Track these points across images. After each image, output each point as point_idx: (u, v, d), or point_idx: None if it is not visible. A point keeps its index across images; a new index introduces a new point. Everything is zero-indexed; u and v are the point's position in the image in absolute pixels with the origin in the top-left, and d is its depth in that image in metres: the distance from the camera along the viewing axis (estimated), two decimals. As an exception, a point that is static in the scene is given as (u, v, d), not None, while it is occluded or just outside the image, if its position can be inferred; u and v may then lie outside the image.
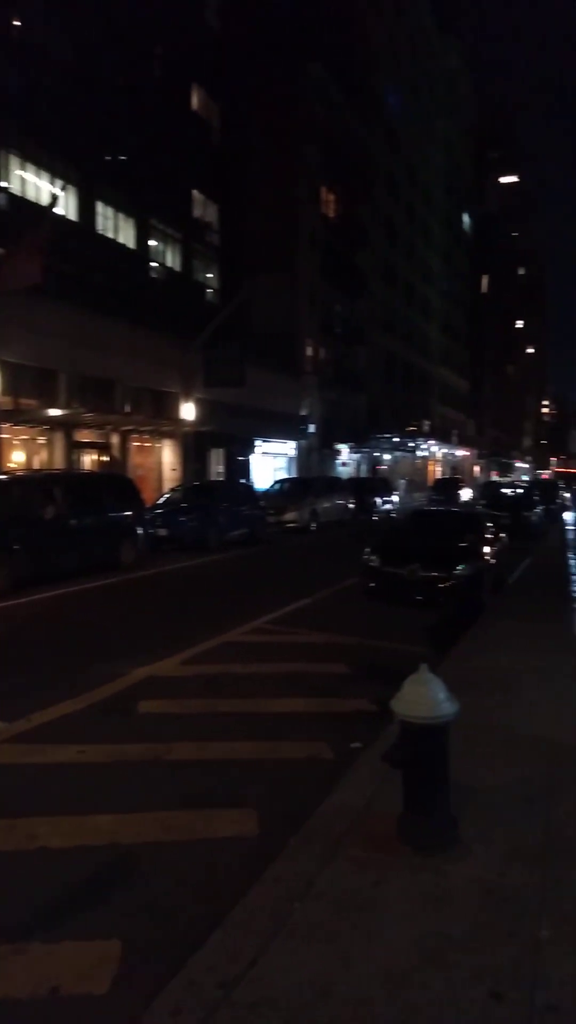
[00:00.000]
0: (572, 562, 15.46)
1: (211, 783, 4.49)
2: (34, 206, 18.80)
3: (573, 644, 7.71)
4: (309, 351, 37.54)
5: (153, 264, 25.66)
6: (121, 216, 23.42)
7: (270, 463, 33.29)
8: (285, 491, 23.84)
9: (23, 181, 19.27)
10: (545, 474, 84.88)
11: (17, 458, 19.08)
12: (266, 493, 23.15)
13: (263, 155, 32.83)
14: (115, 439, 22.43)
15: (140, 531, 14.34)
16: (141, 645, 7.85)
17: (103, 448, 22.12)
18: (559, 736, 4.87)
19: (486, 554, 10.52)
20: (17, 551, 11.02)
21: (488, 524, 12.07)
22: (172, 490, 19.89)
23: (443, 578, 9.58)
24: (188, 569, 14.17)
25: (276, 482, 26.51)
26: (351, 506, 26.02)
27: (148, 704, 5.91)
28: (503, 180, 68.85)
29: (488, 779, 4.16)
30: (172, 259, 26.86)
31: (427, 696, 3.28)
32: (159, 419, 23.81)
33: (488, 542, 11.03)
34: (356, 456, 44.53)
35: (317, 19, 38.49)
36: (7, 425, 18.03)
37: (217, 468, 28.72)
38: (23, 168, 19.24)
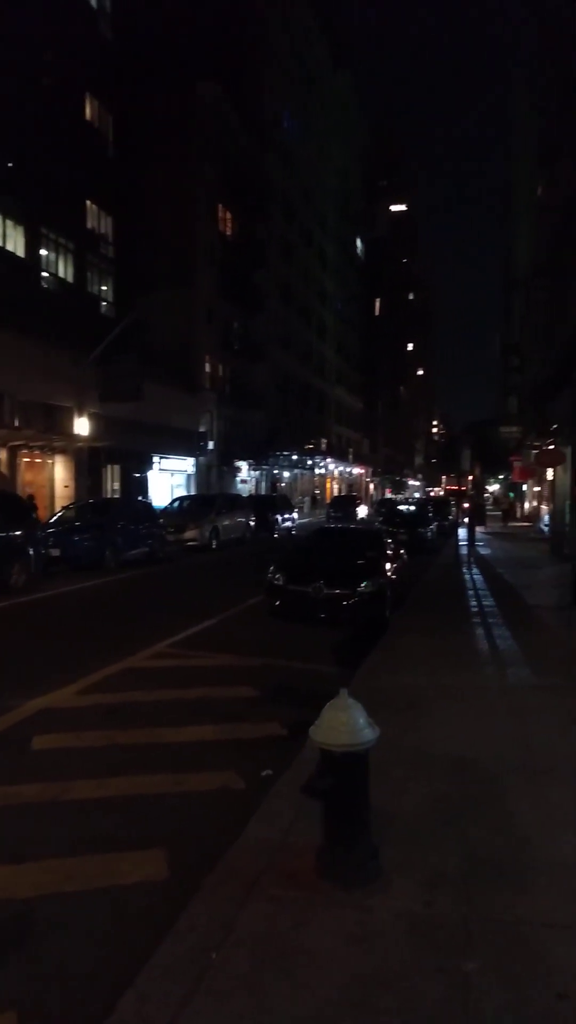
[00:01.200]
0: (467, 577, 15.96)
1: (114, 823, 4.19)
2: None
3: (477, 659, 7.87)
4: (208, 367, 37.36)
5: (45, 274, 24.79)
6: (10, 223, 22.51)
7: (168, 480, 32.75)
8: (185, 508, 23.44)
9: None
10: (436, 491, 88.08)
11: None
12: (165, 511, 22.68)
13: (160, 170, 32.59)
14: (3, 455, 21.36)
15: (32, 552, 13.61)
16: (35, 675, 7.37)
17: (-9, 465, 21.01)
18: (470, 753, 4.89)
19: (388, 570, 10.65)
20: None
21: (388, 541, 12.26)
22: (65, 508, 19.06)
23: (347, 595, 9.60)
24: (84, 591, 13.58)
25: (175, 499, 26.05)
26: (252, 524, 25.92)
27: (43, 739, 5.51)
28: (393, 208, 71.61)
29: (404, 803, 4.09)
30: (65, 270, 26.04)
31: (348, 722, 3.16)
32: (51, 434, 22.90)
33: (389, 559, 11.18)
34: (255, 473, 44.59)
35: (214, 40, 38.82)
36: None
37: (113, 485, 27.92)
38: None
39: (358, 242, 77.03)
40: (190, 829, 4.14)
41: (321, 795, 3.23)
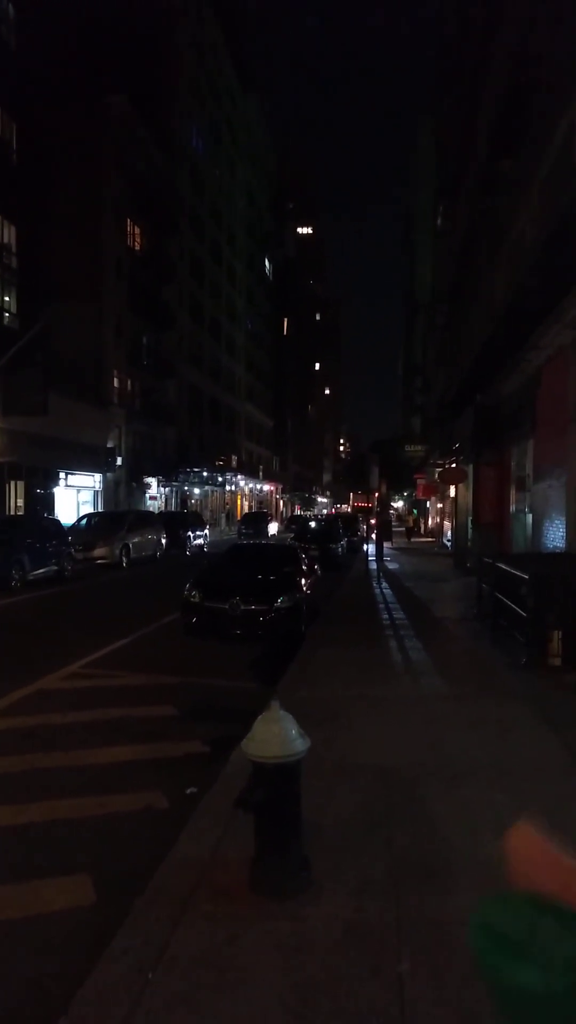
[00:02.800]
0: (377, 591, 16.35)
1: (34, 849, 4.07)
2: None
3: (392, 670, 8.09)
4: (116, 382, 36.78)
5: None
6: None
7: (76, 497, 31.92)
8: (94, 526, 22.91)
9: None
10: (345, 508, 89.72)
11: None
12: (73, 528, 22.09)
13: (67, 181, 32.05)
14: None
15: None
16: None
17: None
18: (390, 761, 5.03)
19: (303, 585, 10.79)
20: None
21: (302, 556, 12.42)
22: (-32, 526, 18.26)
23: (265, 611, 9.65)
24: (-11, 611, 13.04)
25: (84, 516, 25.41)
26: (163, 541, 25.61)
27: (-46, 767, 5.26)
28: (300, 230, 73.16)
29: (329, 811, 4.17)
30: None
31: (280, 734, 3.21)
32: (-48, 449, 21.93)
33: (303, 574, 11.33)
34: (165, 490, 44.11)
35: (124, 53, 38.65)
36: None
37: (17, 502, 26.96)
38: None
39: (267, 262, 78.06)
40: (116, 851, 4.06)
41: (254, 808, 3.26)
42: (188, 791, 4.79)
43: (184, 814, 4.26)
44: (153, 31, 42.57)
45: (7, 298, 28.03)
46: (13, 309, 28.12)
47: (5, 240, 27.86)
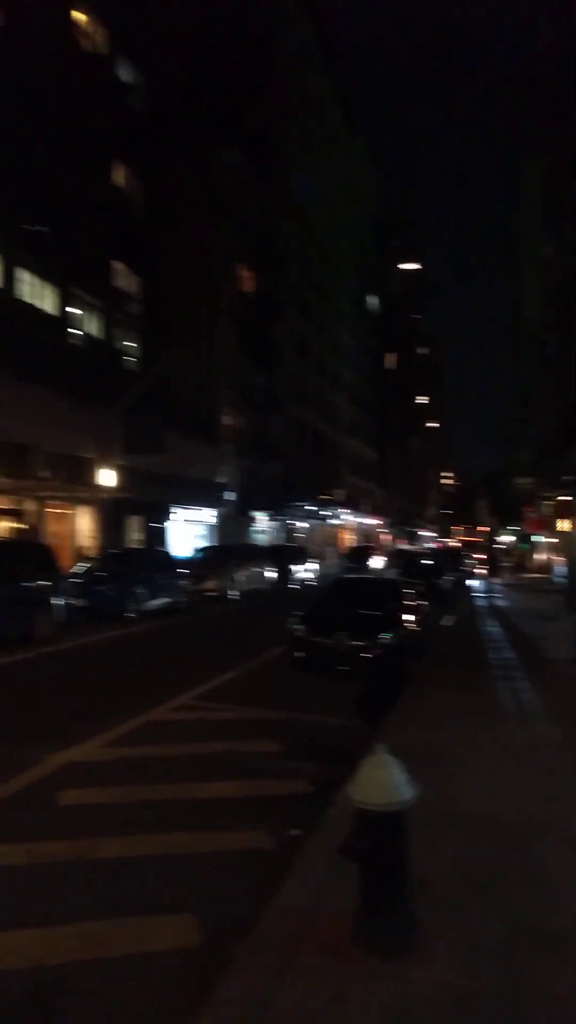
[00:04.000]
0: (484, 628, 15.77)
1: (142, 885, 4.11)
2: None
3: (502, 713, 7.73)
4: (226, 419, 37.88)
5: (73, 331, 25.48)
6: (42, 283, 23.27)
7: (188, 530, 32.90)
8: (205, 559, 23.48)
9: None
10: (450, 543, 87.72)
11: None
12: (185, 561, 22.74)
13: (184, 231, 33.69)
14: (30, 506, 21.63)
15: (56, 602, 13.65)
16: (58, 727, 7.33)
17: (17, 515, 21.26)
18: (504, 814, 4.78)
19: (409, 622, 10.56)
20: None
21: (408, 591, 12.18)
22: (89, 558, 19.19)
23: (369, 647, 9.50)
24: (107, 642, 13.56)
25: (196, 550, 26.11)
26: (271, 574, 25.87)
27: (68, 794, 5.44)
28: (404, 267, 73.28)
29: (438, 864, 3.99)
30: (92, 327, 26.76)
31: (386, 780, 3.11)
32: (76, 485, 23.19)
33: (409, 609, 11.10)
34: (273, 524, 44.71)
35: (237, 107, 40.62)
36: None
37: (134, 536, 28.08)
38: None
39: (371, 299, 78.64)
40: (220, 892, 4.04)
41: (359, 857, 3.17)
42: (292, 833, 4.73)
43: (288, 857, 4.20)
44: (264, 83, 44.45)
45: (129, 343, 29.66)
46: (135, 353, 29.70)
47: (129, 289, 29.60)
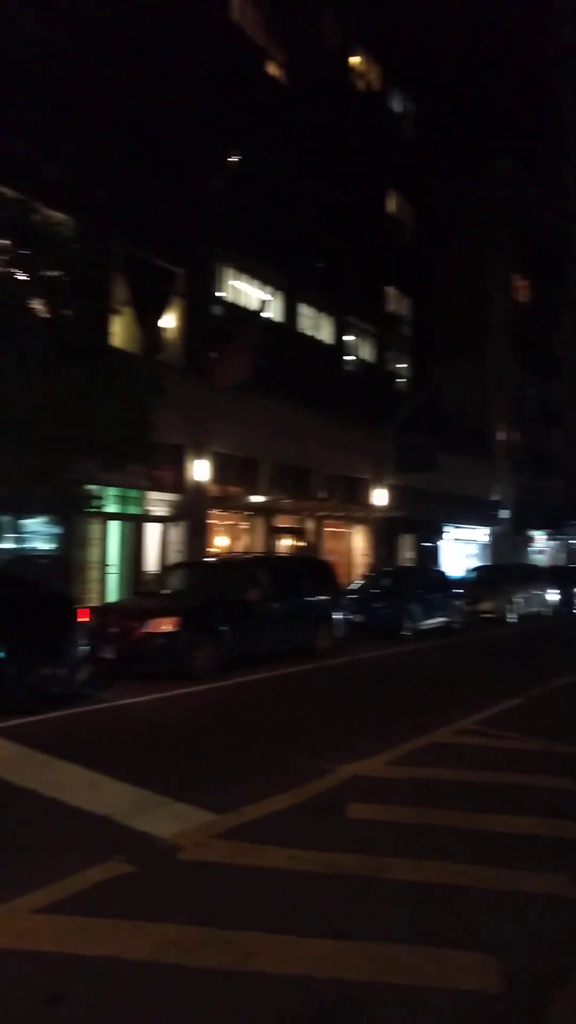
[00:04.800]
0: None
1: (437, 913, 3.96)
2: (245, 311, 20.40)
3: None
4: (501, 435, 36.51)
5: (348, 358, 26.60)
6: (320, 315, 24.72)
7: (460, 549, 32.21)
8: (480, 579, 22.73)
9: (236, 290, 21.06)
10: None
11: (220, 542, 20.01)
12: (460, 581, 22.24)
13: (456, 247, 33.42)
14: (310, 524, 22.90)
15: (337, 617, 14.19)
16: (343, 739, 7.52)
17: (298, 533, 22.65)
18: None
19: None
20: (224, 633, 11.25)
21: None
22: (365, 576, 19.71)
23: None
24: (383, 658, 13.71)
25: (469, 569, 25.45)
26: (552, 597, 24.22)
27: (357, 808, 5.50)
28: None
29: None
30: (366, 352, 27.70)
31: None
32: (351, 505, 24.04)
33: None
34: (552, 543, 41.91)
35: (504, 114, 39.41)
36: (215, 511, 19.14)
37: (407, 554, 28.24)
38: (237, 279, 21.04)
39: None
40: (518, 936, 3.75)
41: None
42: (600, 884, 4.25)
43: (596, 911, 3.77)
44: (536, 85, 42.58)
45: (401, 365, 30.16)
46: (406, 374, 30.10)
47: (401, 313, 30.16)
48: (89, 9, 15.54)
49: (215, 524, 19.68)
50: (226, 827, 5.01)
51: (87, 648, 9.25)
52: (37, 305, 10.90)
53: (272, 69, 22.20)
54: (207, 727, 8.35)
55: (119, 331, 15.88)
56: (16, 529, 14.67)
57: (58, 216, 12.63)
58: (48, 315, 10.94)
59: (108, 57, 15.95)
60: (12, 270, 10.67)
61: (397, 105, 30.15)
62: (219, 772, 6.39)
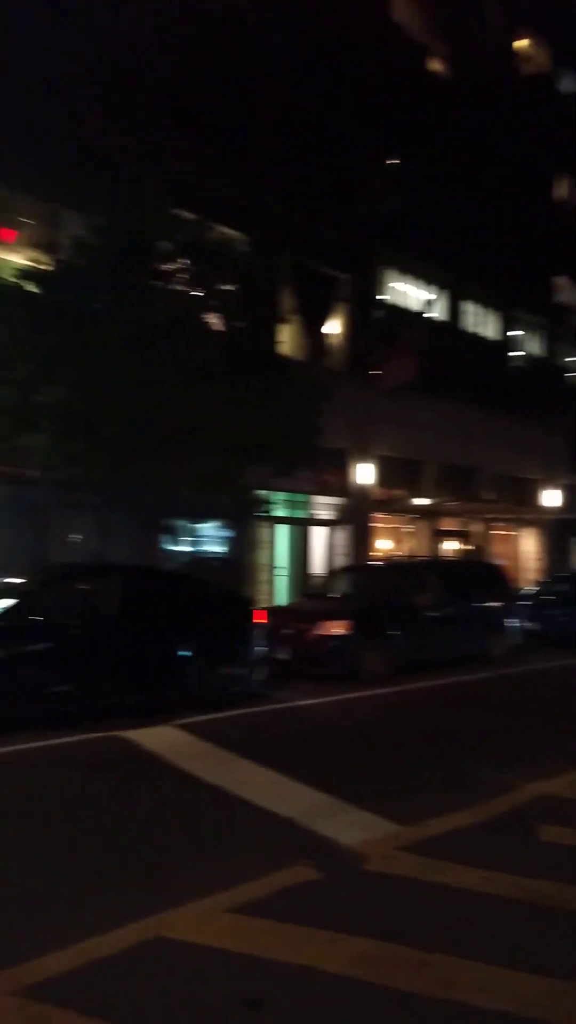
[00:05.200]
0: None
1: None
2: (409, 312, 20.20)
3: None
4: None
5: (515, 353, 25.46)
6: (485, 311, 23.88)
7: None
8: None
9: (399, 292, 20.89)
10: None
11: (384, 546, 19.89)
12: None
13: None
14: (476, 527, 22.17)
15: (511, 623, 13.57)
16: (526, 753, 7.12)
17: (464, 536, 22.00)
18: None
19: None
20: (394, 637, 11.13)
21: None
22: (539, 581, 18.74)
23: None
24: (564, 669, 12.89)
25: None
26: None
27: (549, 831, 5.15)
28: None
29: None
30: (534, 346, 26.38)
31: None
32: (520, 506, 22.98)
33: None
34: None
35: None
36: (378, 514, 19.08)
37: (580, 558, 26.50)
38: (400, 280, 20.87)
39: None
40: None
41: None
42: None
43: None
44: None
45: (571, 358, 28.39)
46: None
47: (573, 303, 28.42)
48: (251, 25, 15.99)
49: (379, 527, 19.58)
50: (411, 840, 4.89)
51: (264, 649, 9.50)
52: (212, 319, 11.38)
53: (434, 65, 21.77)
54: (383, 732, 8.26)
55: (286, 339, 16.25)
56: (191, 533, 15.44)
57: (230, 232, 13.14)
58: (222, 328, 11.38)
59: (272, 71, 16.39)
60: (189, 288, 11.21)
61: (567, 85, 28.45)
62: (399, 781, 6.28)
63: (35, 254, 11.05)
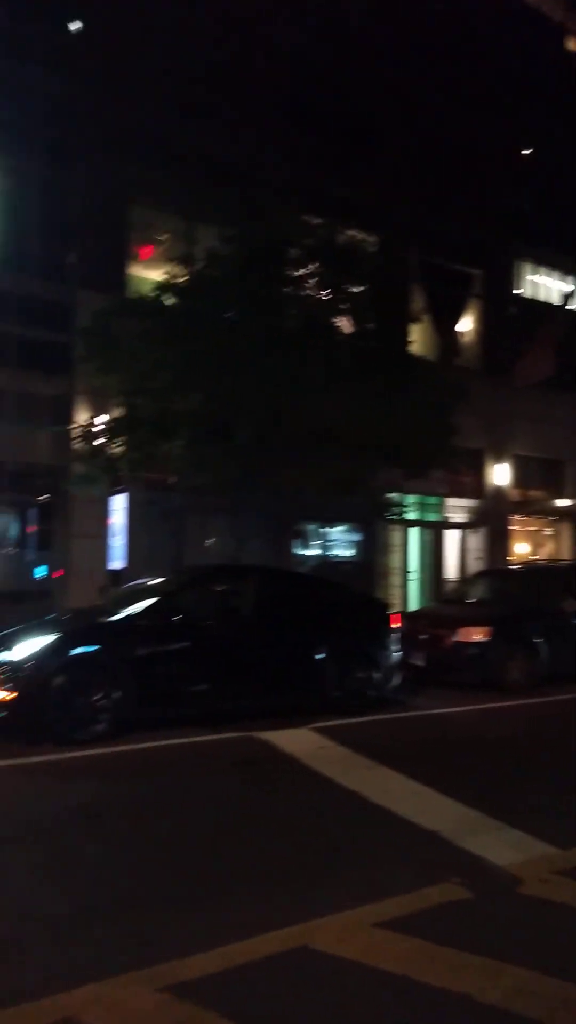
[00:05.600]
0: None
1: None
2: (545, 306, 19.27)
3: None
4: None
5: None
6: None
7: None
8: None
9: (535, 285, 19.98)
10: None
11: (522, 549, 19.00)
12: None
13: None
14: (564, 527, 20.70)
15: None
16: None
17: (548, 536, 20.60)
18: None
19: None
20: (539, 645, 10.53)
21: None
22: None
23: None
24: None
25: None
26: None
27: None
28: None
29: None
30: None
31: None
32: None
33: None
34: None
35: None
36: (516, 516, 18.28)
37: None
38: (535, 273, 19.95)
39: None
40: None
41: None
42: None
43: None
44: None
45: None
46: None
47: None
48: (373, 24, 15.80)
49: (516, 530, 18.74)
50: (571, 864, 4.52)
51: (399, 653, 9.27)
52: (342, 320, 11.31)
53: (570, 45, 20.62)
54: (532, 746, 7.79)
55: (418, 339, 15.91)
56: (321, 537, 15.42)
57: (359, 235, 13.04)
58: (353, 329, 11.28)
59: (400, 67, 16.13)
60: (319, 292, 11.20)
61: None
62: (551, 799, 5.85)
63: (171, 268, 11.43)
